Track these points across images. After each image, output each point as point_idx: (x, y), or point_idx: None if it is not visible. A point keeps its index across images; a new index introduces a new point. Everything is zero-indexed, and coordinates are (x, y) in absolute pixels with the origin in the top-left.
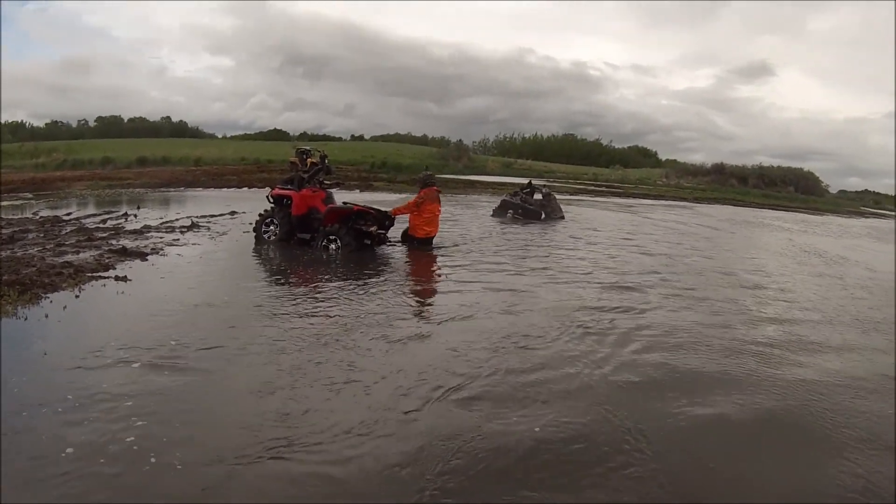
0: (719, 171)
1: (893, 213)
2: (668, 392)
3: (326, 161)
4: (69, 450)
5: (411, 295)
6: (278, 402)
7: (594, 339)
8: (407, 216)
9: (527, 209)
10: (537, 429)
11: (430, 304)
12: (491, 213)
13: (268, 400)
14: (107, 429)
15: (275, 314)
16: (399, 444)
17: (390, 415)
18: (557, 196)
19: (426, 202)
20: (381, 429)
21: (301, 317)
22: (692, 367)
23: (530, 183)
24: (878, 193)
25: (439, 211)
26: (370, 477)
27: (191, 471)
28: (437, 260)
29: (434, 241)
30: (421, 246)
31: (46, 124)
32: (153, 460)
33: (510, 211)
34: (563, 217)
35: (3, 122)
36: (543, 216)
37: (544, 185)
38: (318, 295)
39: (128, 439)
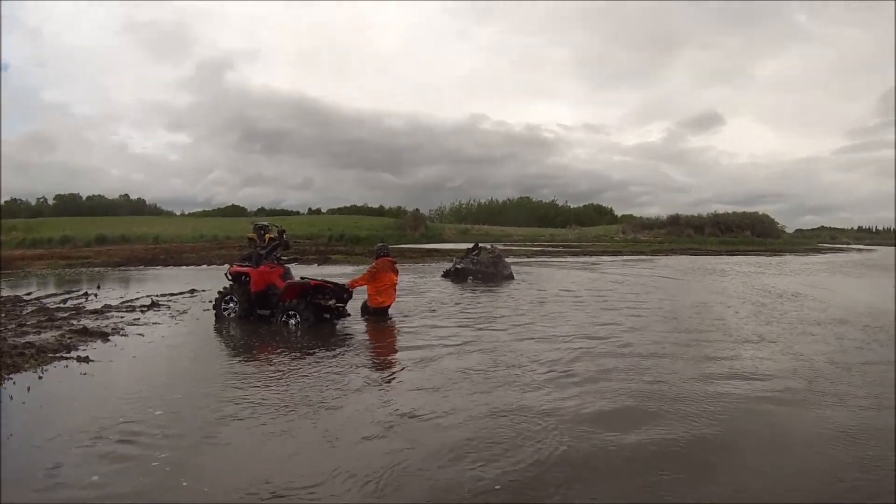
0: (675, 222)
1: (854, 247)
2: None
3: (284, 236)
4: None
5: (370, 364)
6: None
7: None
8: (365, 288)
9: (486, 273)
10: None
11: (391, 371)
12: (442, 274)
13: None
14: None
15: (237, 389)
16: None
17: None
18: (514, 259)
19: (380, 272)
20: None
21: (263, 392)
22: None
23: (476, 245)
24: (835, 228)
25: (395, 280)
26: None
27: None
28: (397, 329)
29: (395, 309)
30: (376, 315)
31: (6, 202)
32: None
33: (470, 277)
34: (512, 276)
35: None
36: (498, 278)
37: (490, 246)
38: (278, 370)
39: None
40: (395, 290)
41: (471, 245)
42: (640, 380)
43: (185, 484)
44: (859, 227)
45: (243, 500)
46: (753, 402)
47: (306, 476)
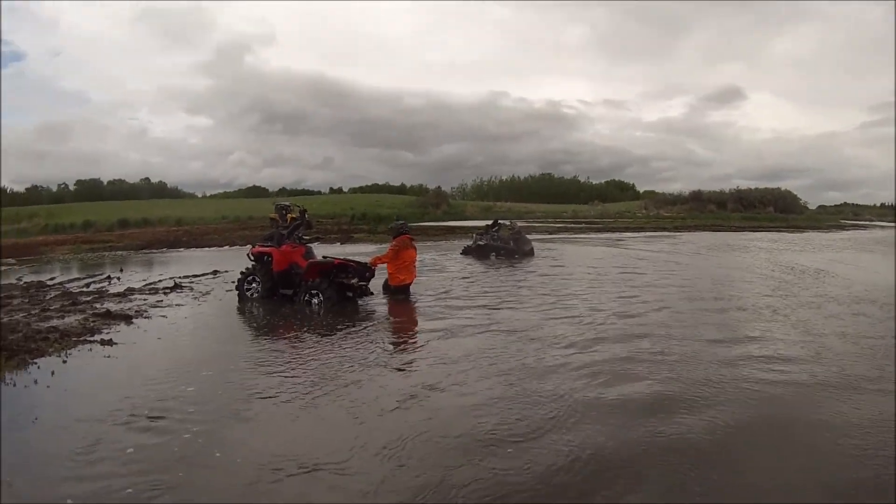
0: (697, 198)
1: (877, 223)
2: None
3: (306, 216)
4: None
5: (392, 342)
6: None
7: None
8: (385, 266)
9: (508, 249)
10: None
11: (413, 348)
12: (461, 251)
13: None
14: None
15: (262, 367)
16: None
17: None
18: (536, 236)
19: (401, 249)
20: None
21: (287, 370)
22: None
23: (496, 221)
24: (857, 205)
25: (415, 257)
26: None
27: None
28: (419, 307)
29: (419, 286)
30: (397, 293)
31: (27, 189)
32: None
33: (493, 253)
34: (533, 252)
35: None
36: (518, 254)
37: (510, 222)
38: (302, 349)
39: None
40: (415, 266)
41: (490, 222)
42: (665, 361)
43: (217, 455)
44: (882, 203)
45: (273, 470)
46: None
47: (331, 449)
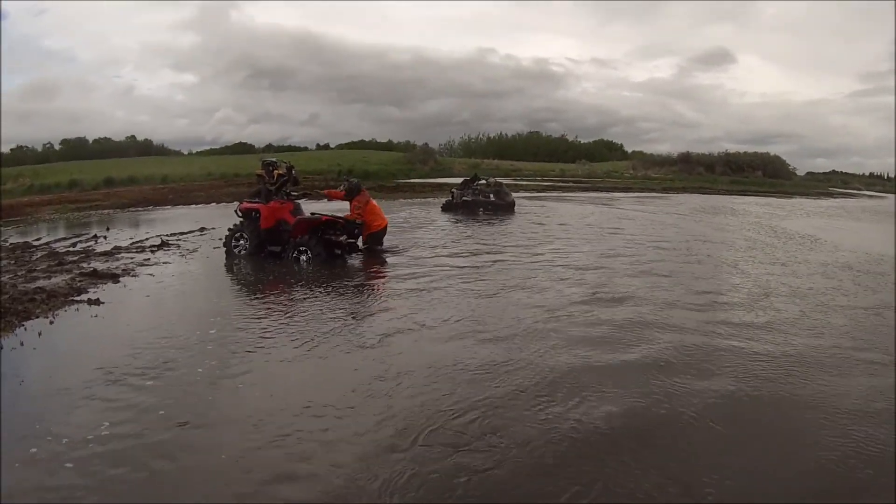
0: (686, 159)
1: (865, 193)
2: None
3: (293, 172)
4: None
5: (379, 295)
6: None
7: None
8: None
9: (496, 204)
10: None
11: (396, 300)
12: (442, 207)
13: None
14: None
15: (251, 322)
16: None
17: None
18: (525, 194)
19: (368, 203)
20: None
21: (275, 325)
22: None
23: (476, 175)
24: (846, 173)
25: (376, 204)
26: None
27: None
28: (410, 262)
29: (409, 242)
30: (379, 238)
31: (11, 150)
32: None
33: (481, 209)
34: (514, 203)
35: None
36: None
37: (489, 177)
38: (290, 304)
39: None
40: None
41: (469, 177)
42: (654, 329)
43: (212, 411)
44: (871, 173)
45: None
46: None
47: (331, 395)
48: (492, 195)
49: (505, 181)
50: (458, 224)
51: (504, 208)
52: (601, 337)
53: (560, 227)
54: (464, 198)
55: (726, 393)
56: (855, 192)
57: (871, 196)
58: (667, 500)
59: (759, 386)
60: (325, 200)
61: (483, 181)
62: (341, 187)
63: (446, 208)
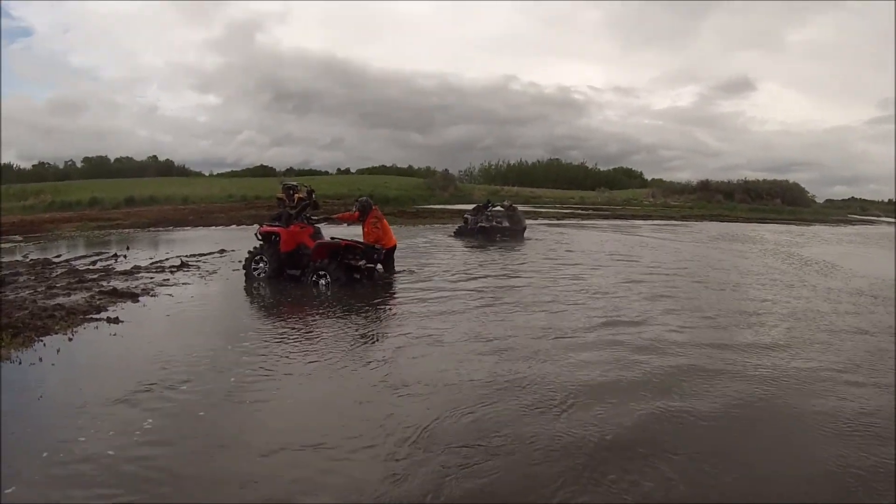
0: (705, 187)
1: (884, 219)
2: None
3: (313, 196)
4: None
5: (396, 322)
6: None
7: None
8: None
9: (514, 230)
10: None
11: (415, 327)
12: (454, 232)
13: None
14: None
15: (269, 345)
16: None
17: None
18: (545, 221)
19: (380, 221)
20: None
21: (294, 348)
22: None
23: (489, 202)
24: (865, 200)
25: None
26: None
27: None
28: (430, 288)
29: (431, 270)
30: (388, 257)
31: (34, 166)
32: None
33: (498, 235)
34: (525, 228)
35: None
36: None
37: (503, 201)
38: (307, 328)
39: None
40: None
41: (481, 204)
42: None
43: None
44: (889, 199)
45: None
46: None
47: (334, 421)
48: (505, 221)
49: (524, 208)
50: (475, 249)
51: (518, 234)
52: (614, 359)
53: (580, 254)
54: (480, 223)
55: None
56: (874, 218)
57: (889, 223)
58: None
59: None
60: (345, 225)
61: (497, 206)
62: (354, 208)
63: (459, 234)
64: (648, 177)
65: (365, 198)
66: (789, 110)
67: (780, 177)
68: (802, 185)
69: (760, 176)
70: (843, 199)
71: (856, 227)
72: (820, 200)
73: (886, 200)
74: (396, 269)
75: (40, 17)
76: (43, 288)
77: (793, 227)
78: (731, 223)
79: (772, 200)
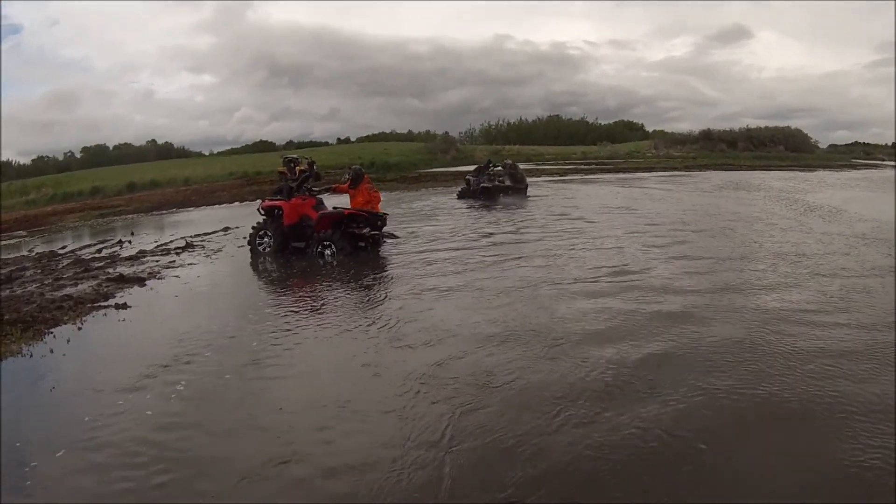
0: (707, 137)
1: (888, 163)
2: None
3: (315, 167)
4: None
5: (406, 288)
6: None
7: None
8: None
9: (516, 188)
10: None
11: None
12: (457, 195)
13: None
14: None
15: (279, 319)
16: None
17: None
18: (547, 178)
19: (371, 190)
20: None
21: (305, 320)
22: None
23: (489, 161)
24: (868, 144)
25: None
26: None
27: None
28: (435, 254)
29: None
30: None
31: (33, 160)
32: None
33: (501, 193)
34: (527, 185)
35: None
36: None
37: (504, 160)
38: (316, 299)
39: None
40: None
41: (482, 164)
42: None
43: (247, 411)
44: (894, 142)
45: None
46: None
47: (353, 388)
48: (507, 179)
49: (527, 166)
50: (479, 210)
51: (522, 191)
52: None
53: (587, 210)
54: (482, 184)
55: None
56: (878, 162)
57: (894, 166)
58: None
59: None
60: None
61: (498, 166)
62: (343, 178)
63: (462, 196)
64: (650, 129)
65: (357, 166)
66: (786, 57)
67: (781, 123)
68: (805, 131)
69: (761, 123)
70: (846, 144)
71: (860, 171)
72: (823, 146)
73: (890, 144)
74: (402, 233)
75: (27, 13)
76: (50, 280)
77: (797, 174)
78: (735, 171)
79: (775, 147)
